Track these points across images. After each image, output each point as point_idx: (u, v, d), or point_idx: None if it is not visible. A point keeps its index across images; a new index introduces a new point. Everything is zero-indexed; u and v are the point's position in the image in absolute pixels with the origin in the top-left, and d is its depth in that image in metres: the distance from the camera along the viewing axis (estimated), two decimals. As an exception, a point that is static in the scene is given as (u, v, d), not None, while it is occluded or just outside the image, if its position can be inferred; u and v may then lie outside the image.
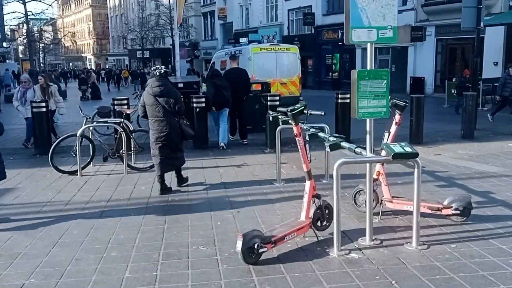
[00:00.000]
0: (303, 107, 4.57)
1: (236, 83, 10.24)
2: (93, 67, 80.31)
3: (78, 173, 7.61)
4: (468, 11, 11.94)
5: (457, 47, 23.74)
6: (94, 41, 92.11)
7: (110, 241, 4.68)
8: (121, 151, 7.78)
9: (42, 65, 67.13)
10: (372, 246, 4.38)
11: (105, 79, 42.71)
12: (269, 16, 37.63)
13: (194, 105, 9.90)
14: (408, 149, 4.13)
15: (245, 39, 20.01)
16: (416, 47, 24.47)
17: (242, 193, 6.40)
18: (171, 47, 43.44)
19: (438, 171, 7.37)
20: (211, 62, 19.46)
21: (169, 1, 39.72)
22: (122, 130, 7.70)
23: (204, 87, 17.47)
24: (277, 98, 9.97)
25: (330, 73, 32.33)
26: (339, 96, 10.45)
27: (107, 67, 66.43)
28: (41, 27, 63.58)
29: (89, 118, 7.97)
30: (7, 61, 52.41)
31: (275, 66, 15.78)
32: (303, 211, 4.53)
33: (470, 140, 10.33)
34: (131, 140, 7.99)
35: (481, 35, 17.54)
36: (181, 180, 6.84)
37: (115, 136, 8.03)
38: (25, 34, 44.55)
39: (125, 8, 71.58)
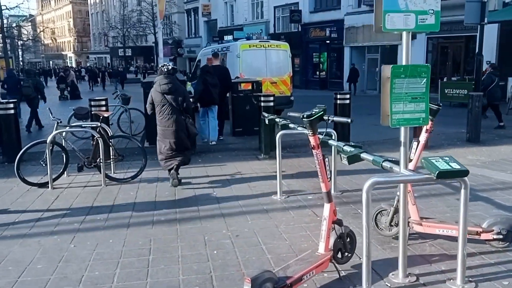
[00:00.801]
0: (322, 112, 3.68)
1: (218, 81, 9.72)
2: (73, 65, 78.47)
3: (49, 185, 6.66)
4: (471, 6, 11.21)
5: (449, 46, 23.18)
6: (75, 38, 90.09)
7: (82, 281, 3.76)
8: (98, 160, 6.86)
9: (21, 63, 65.03)
10: (407, 284, 3.54)
11: (85, 78, 41.16)
12: (255, 13, 36.77)
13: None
14: (456, 166, 3.28)
15: (230, 37, 19.08)
16: (407, 46, 23.77)
17: (239, 210, 5.52)
18: (153, 45, 42.28)
19: (455, 181, 6.57)
20: (197, 59, 18.55)
21: (152, -3, 38.60)
22: (99, 136, 6.78)
23: (189, 86, 16.54)
24: (271, 98, 9.20)
25: (318, 72, 31.57)
26: (338, 96, 9.70)
27: (88, 65, 64.70)
28: (19, 23, 61.64)
29: (61, 122, 7.00)
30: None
31: (265, 64, 14.93)
32: (322, 242, 3.66)
33: (477, 143, 9.63)
34: (110, 147, 7.07)
35: (474, 34, 17.01)
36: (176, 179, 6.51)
37: (92, 142, 7.09)
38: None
39: (106, 4, 70.03)
